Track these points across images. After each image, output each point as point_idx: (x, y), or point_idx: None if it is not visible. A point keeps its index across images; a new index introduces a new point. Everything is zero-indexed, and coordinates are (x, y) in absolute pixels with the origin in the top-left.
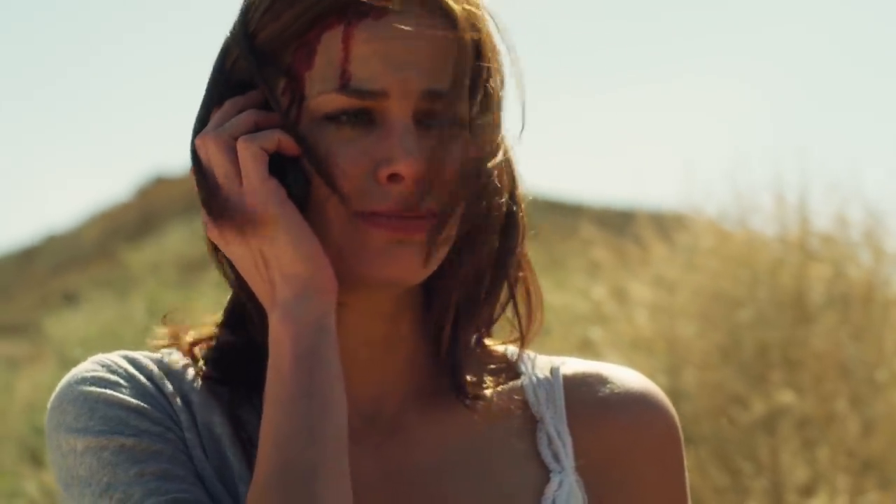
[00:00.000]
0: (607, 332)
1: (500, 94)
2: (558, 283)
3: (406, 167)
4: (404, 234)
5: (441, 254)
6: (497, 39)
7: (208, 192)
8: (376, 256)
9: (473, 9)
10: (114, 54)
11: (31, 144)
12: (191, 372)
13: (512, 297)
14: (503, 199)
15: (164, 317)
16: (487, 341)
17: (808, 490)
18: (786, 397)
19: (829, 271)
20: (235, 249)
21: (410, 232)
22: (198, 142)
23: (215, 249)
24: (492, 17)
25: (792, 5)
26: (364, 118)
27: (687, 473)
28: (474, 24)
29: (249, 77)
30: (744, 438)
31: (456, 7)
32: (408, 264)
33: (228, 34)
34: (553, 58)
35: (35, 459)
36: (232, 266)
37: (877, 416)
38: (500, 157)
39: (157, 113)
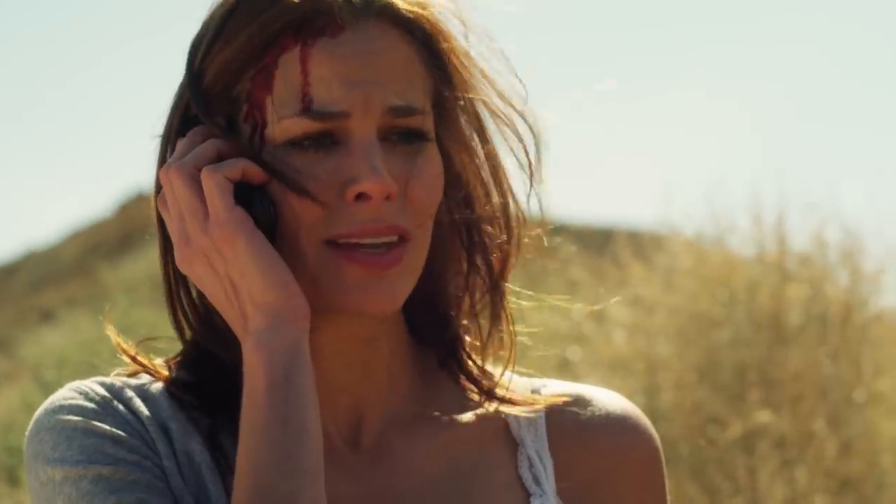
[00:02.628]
0: (586, 352)
1: (472, 104)
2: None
3: (372, 185)
4: (379, 269)
5: (414, 280)
6: (463, 45)
7: (175, 223)
8: (352, 289)
9: (433, 16)
10: (95, 71)
11: (12, 161)
12: (167, 397)
13: (501, 313)
14: (486, 210)
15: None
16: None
17: None
18: (764, 417)
19: (807, 292)
20: (206, 281)
21: (385, 267)
22: (161, 173)
23: (176, 281)
24: (459, 22)
25: (777, 23)
26: (327, 140)
27: (668, 496)
28: (435, 33)
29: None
30: (722, 458)
31: (413, 17)
32: (384, 296)
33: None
34: (532, 72)
35: (11, 479)
36: (200, 297)
37: (855, 435)
38: (473, 170)
39: (139, 129)
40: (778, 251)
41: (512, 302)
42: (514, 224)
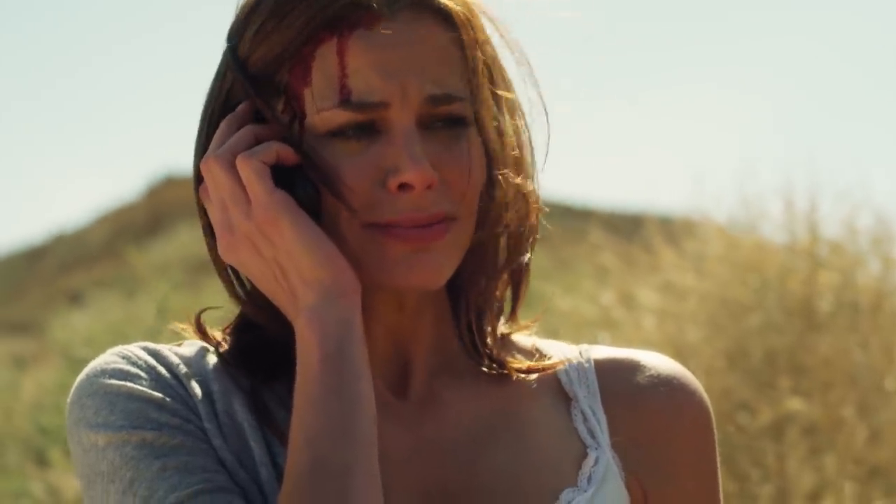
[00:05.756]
0: (615, 338)
1: (506, 89)
2: (567, 287)
3: (414, 175)
4: (422, 242)
5: (459, 257)
6: (496, 34)
7: (217, 213)
8: (396, 266)
9: (468, 4)
10: (124, 53)
11: (41, 143)
12: (212, 361)
13: (517, 286)
14: (520, 194)
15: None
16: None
17: (814, 497)
18: (793, 404)
19: (838, 279)
20: (252, 266)
21: (428, 240)
22: (202, 166)
23: (224, 270)
24: (488, 12)
25: (801, 14)
26: (368, 129)
27: (718, 455)
28: (471, 21)
29: (246, 99)
30: (751, 445)
31: (448, 5)
32: (429, 271)
33: (221, 60)
34: (563, 61)
35: (40, 460)
36: (244, 283)
37: (884, 423)
38: (509, 153)
39: (168, 112)
40: (809, 238)
41: (540, 287)
42: (535, 205)
